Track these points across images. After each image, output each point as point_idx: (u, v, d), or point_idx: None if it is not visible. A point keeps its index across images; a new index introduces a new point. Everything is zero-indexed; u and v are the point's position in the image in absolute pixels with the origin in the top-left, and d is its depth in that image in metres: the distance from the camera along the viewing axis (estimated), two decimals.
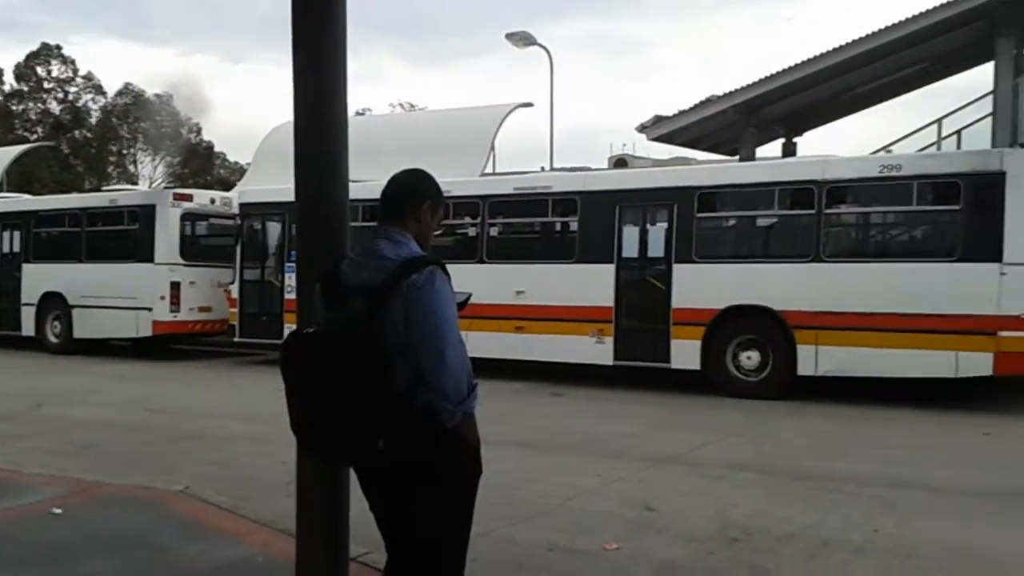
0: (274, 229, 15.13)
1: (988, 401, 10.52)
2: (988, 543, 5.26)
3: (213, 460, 7.41)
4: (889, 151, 14.72)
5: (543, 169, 17.70)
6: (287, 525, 4.26)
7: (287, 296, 14.22)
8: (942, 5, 13.02)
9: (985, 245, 9.99)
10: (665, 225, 11.86)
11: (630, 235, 12.17)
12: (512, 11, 63.54)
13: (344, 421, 2.67)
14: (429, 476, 2.76)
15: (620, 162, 14.98)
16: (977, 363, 9.98)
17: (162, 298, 15.30)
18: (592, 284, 12.09)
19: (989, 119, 13.95)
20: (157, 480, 6.32)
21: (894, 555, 5.01)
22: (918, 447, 8.36)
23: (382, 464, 2.74)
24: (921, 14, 13.14)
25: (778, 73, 14.65)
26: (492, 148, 15.21)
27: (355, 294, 2.77)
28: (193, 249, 15.89)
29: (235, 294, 15.25)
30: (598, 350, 12.04)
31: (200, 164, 47.13)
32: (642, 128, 16.54)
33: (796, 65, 14.45)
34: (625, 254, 12.10)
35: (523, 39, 22.04)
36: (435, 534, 2.83)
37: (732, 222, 12.41)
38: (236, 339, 15.27)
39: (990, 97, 13.95)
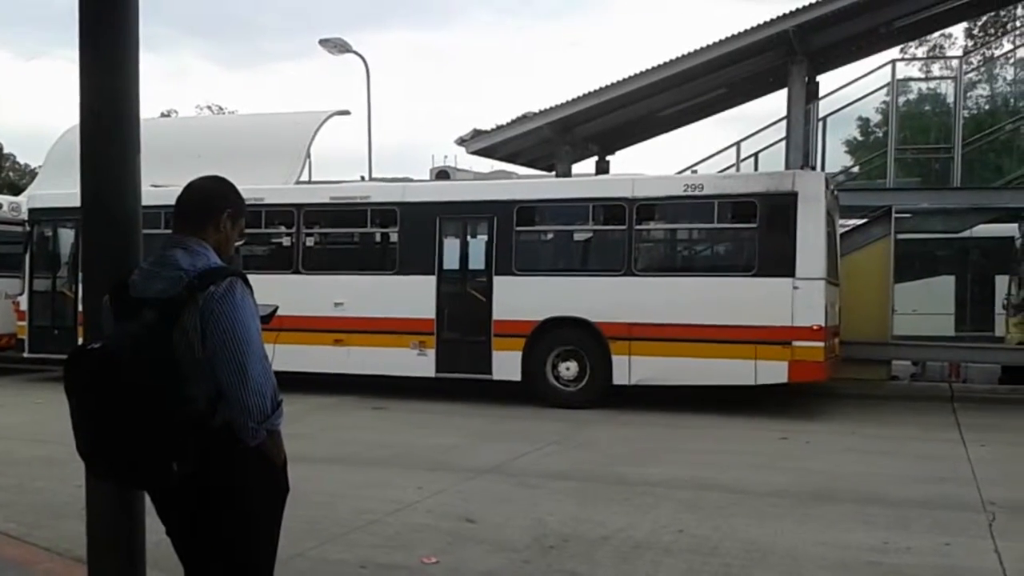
0: (67, 236, 14.12)
1: (785, 407, 11.24)
2: (781, 539, 5.61)
3: (1, 485, 6.84)
4: (694, 171, 15.49)
5: (362, 179, 17.45)
6: (81, 552, 3.99)
7: (81, 308, 13.27)
8: (741, 33, 13.82)
9: (779, 261, 10.69)
10: (485, 238, 11.98)
11: (451, 247, 12.19)
12: (333, 18, 62.32)
13: (134, 443, 2.48)
14: (230, 498, 2.61)
15: (442, 174, 14.96)
16: (774, 371, 10.65)
17: None
18: (413, 296, 12.01)
19: (783, 143, 14.92)
20: None
21: (699, 553, 5.26)
22: (721, 451, 8.82)
23: (178, 487, 2.56)
24: (722, 40, 13.89)
25: (590, 93, 15.05)
26: (308, 156, 14.78)
27: (146, 307, 2.57)
28: None
29: (24, 306, 14.12)
30: (420, 362, 11.96)
31: None
32: (461, 141, 16.57)
33: (607, 86, 14.90)
34: (446, 266, 12.11)
35: (337, 46, 21.66)
36: (238, 559, 2.68)
37: (550, 236, 12.70)
38: (25, 354, 14.11)
39: (784, 122, 14.93)
